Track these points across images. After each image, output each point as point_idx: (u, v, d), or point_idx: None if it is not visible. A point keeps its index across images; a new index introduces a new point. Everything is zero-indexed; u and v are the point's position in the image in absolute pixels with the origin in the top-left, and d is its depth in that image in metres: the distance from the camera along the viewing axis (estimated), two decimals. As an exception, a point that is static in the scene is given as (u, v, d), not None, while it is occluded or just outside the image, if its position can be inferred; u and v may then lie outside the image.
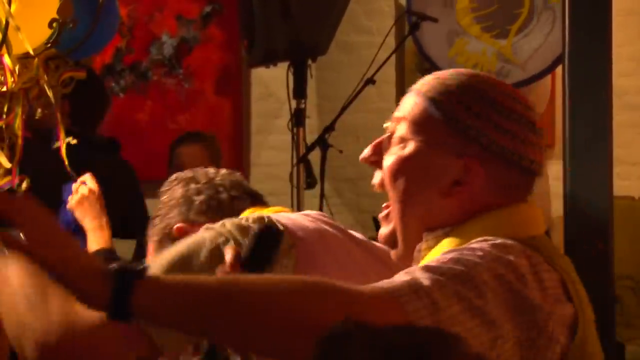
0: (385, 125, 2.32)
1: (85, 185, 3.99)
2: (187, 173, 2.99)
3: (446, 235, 2.17)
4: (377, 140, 2.38)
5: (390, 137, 2.25)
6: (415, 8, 6.41)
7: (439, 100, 2.17)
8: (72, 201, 3.97)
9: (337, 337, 1.68)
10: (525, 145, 2.16)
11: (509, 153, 2.14)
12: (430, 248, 2.18)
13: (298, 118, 6.63)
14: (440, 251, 2.15)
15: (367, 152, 2.42)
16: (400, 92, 7.59)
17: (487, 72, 6.18)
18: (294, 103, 6.57)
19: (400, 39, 6.85)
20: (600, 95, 4.82)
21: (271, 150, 8.14)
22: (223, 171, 2.99)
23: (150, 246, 3.12)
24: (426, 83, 2.22)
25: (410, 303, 1.78)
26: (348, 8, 6.77)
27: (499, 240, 2.03)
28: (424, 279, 1.85)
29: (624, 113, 6.32)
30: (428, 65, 6.67)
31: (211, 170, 3.01)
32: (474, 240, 2.05)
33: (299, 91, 6.56)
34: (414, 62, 7.60)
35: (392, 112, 2.45)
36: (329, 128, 6.38)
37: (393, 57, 6.55)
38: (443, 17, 6.43)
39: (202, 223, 2.78)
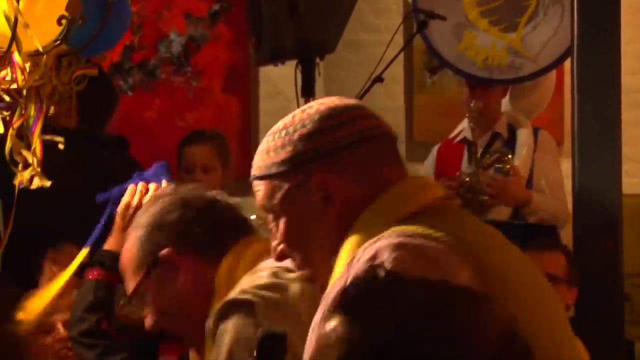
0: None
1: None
2: (186, 190, 2.94)
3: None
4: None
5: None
6: (422, 5, 6.38)
7: (268, 168, 2.35)
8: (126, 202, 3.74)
9: (365, 282, 1.79)
10: (343, 126, 2.25)
11: (337, 145, 2.23)
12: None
13: None
14: (342, 259, 2.26)
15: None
16: (409, 90, 7.74)
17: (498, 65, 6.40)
18: (302, 101, 6.48)
19: (408, 37, 6.86)
20: (609, 92, 5.19)
21: (279, 148, 7.92)
22: (220, 195, 2.92)
23: (131, 235, 3.04)
24: None
25: None
26: (356, 6, 6.77)
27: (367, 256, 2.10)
28: None
29: (631, 111, 6.29)
30: (437, 62, 6.91)
31: (210, 193, 2.96)
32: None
33: (307, 89, 6.55)
34: (422, 60, 7.58)
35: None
36: (337, 126, 6.35)
37: (401, 55, 6.57)
38: (450, 11, 6.40)
39: (190, 257, 2.87)
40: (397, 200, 2.30)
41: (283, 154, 2.34)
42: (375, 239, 2.20)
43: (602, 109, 5.25)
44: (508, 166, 6.13)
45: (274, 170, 2.37)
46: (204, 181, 5.36)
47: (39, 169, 4.33)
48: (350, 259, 2.23)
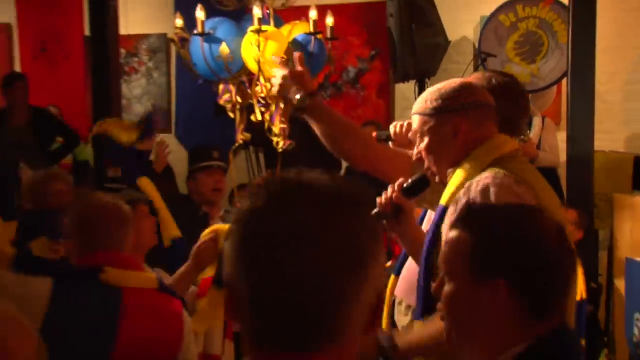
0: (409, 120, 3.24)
1: None
2: None
3: (456, 168, 2.95)
4: (408, 129, 3.40)
5: (413, 130, 3.06)
6: (484, 49, 8.36)
7: (425, 110, 3.00)
8: None
9: (480, 204, 2.53)
10: (470, 95, 2.94)
11: (465, 104, 2.91)
12: (451, 175, 2.97)
13: None
14: (456, 178, 2.93)
15: (403, 131, 3.63)
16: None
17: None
18: None
19: (475, 67, 8.30)
20: (588, 96, 6.80)
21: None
22: None
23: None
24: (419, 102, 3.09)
25: None
26: (447, 51, 8.65)
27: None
28: None
29: (600, 104, 7.23)
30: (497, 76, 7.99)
31: None
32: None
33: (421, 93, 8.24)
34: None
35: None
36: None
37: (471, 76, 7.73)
38: (498, 52, 8.36)
39: None
40: (489, 149, 2.90)
41: (435, 103, 2.96)
42: (480, 176, 2.80)
43: (582, 105, 6.76)
44: (525, 137, 6.46)
45: (428, 111, 2.98)
46: None
47: (280, 138, 5.50)
48: (465, 186, 2.83)
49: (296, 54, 3.89)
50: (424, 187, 3.08)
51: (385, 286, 3.43)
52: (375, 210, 3.08)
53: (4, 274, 3.37)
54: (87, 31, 9.12)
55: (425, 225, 3.41)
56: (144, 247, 4.18)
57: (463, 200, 2.74)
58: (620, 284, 6.40)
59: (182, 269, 4.24)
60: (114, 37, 8.49)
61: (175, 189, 7.90)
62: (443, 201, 2.89)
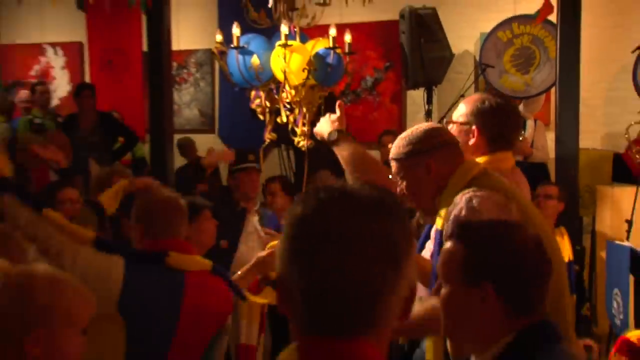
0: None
1: None
2: None
3: (439, 198, 2.94)
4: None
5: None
6: (484, 61, 8.20)
7: (398, 155, 3.03)
8: None
9: (465, 218, 2.66)
10: (436, 137, 3.01)
11: (434, 146, 2.96)
12: (438, 205, 2.95)
13: (429, 114, 8.32)
14: (442, 205, 2.89)
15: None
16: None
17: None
18: (426, 107, 8.41)
19: (476, 77, 8.34)
20: (573, 102, 6.77)
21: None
22: None
23: None
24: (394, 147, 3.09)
25: None
26: (452, 63, 8.62)
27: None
28: None
29: (583, 108, 6.97)
30: (490, 87, 8.21)
31: None
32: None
33: (429, 101, 8.43)
34: (483, 87, 8.56)
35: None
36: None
37: (472, 86, 8.03)
38: (496, 64, 8.22)
39: None
40: (462, 174, 2.90)
41: (407, 149, 2.99)
42: (462, 193, 2.79)
43: (569, 109, 6.72)
44: (521, 137, 7.11)
45: (401, 156, 3.01)
46: None
47: (302, 138, 5.53)
48: (451, 204, 2.81)
49: (338, 102, 3.83)
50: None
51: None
52: None
53: (87, 255, 3.31)
54: (145, 47, 9.14)
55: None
56: (205, 246, 4.17)
57: (453, 213, 2.75)
58: (601, 265, 6.38)
59: (245, 268, 4.20)
60: (167, 53, 8.54)
61: (222, 185, 7.94)
62: (439, 226, 2.88)
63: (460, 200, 2.74)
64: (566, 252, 5.72)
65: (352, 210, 1.31)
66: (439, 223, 2.87)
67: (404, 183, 2.99)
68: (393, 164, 3.03)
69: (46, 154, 5.72)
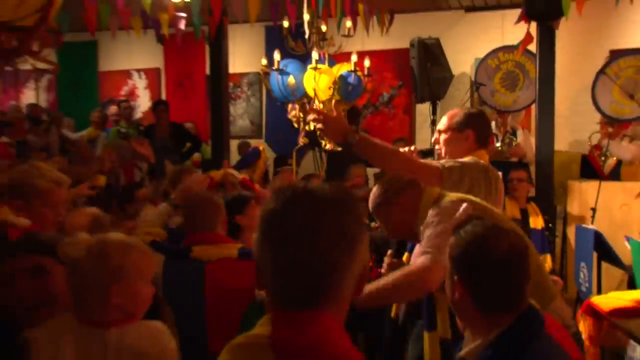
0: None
1: None
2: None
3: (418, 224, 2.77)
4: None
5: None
6: (478, 80, 8.17)
7: (373, 206, 2.89)
8: None
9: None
10: (397, 189, 2.86)
11: (396, 196, 2.82)
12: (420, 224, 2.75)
13: (433, 123, 8.29)
14: (420, 222, 2.73)
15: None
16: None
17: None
18: (432, 117, 8.52)
19: (472, 93, 8.34)
20: (549, 113, 6.73)
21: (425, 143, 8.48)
22: None
23: None
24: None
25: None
26: (452, 82, 8.75)
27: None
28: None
29: (558, 119, 6.89)
30: (482, 102, 8.18)
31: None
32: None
33: (434, 112, 8.54)
34: (477, 101, 8.44)
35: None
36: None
37: (468, 101, 8.17)
38: (488, 84, 8.19)
39: None
40: (427, 201, 2.75)
41: (376, 202, 2.94)
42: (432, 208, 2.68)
43: (546, 120, 6.67)
44: (515, 143, 7.50)
45: (374, 209, 2.94)
46: None
47: (327, 141, 5.05)
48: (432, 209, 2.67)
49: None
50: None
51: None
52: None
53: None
54: (207, 71, 9.43)
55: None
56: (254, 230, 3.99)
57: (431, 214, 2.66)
58: (571, 244, 6.31)
59: None
60: (225, 75, 8.61)
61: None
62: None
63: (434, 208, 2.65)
64: (539, 222, 5.67)
65: (312, 206, 1.30)
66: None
67: (390, 226, 2.87)
68: (375, 216, 2.90)
69: (142, 149, 5.98)
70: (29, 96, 11.13)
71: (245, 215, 3.77)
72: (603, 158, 6.72)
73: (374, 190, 2.88)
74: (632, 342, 2.94)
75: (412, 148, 3.44)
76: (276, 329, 1.29)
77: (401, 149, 3.34)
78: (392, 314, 3.19)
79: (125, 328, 2.02)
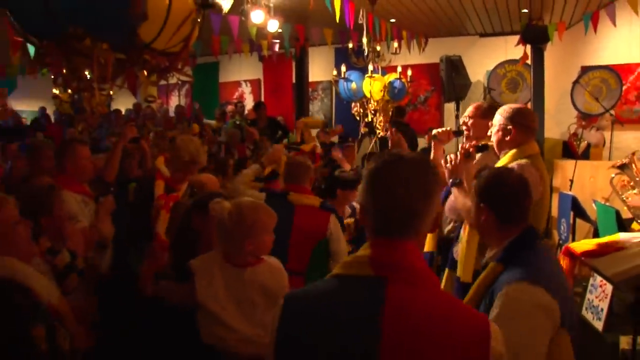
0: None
1: None
2: None
3: (506, 153, 2.60)
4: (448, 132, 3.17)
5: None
6: (490, 85, 8.20)
7: (500, 120, 2.62)
8: None
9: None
10: (522, 119, 2.58)
11: (517, 123, 2.57)
12: (502, 155, 2.60)
13: (457, 117, 8.09)
14: (505, 159, 2.55)
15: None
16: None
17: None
18: (456, 112, 8.29)
19: (485, 95, 8.34)
20: (540, 110, 6.99)
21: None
22: None
23: None
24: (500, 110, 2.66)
25: None
26: (470, 87, 8.60)
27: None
28: None
29: (546, 116, 7.40)
30: (494, 102, 7.81)
31: None
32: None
33: (457, 109, 8.24)
34: (489, 101, 7.96)
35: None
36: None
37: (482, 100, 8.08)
38: (497, 88, 8.26)
39: None
40: (522, 150, 2.54)
41: (506, 115, 2.62)
42: (516, 162, 2.51)
43: (538, 114, 6.40)
44: None
45: (503, 122, 2.61)
46: None
47: (380, 130, 5.80)
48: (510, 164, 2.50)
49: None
50: (483, 150, 2.79)
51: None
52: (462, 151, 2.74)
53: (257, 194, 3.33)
54: (293, 80, 9.44)
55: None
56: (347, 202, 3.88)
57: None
58: (555, 206, 6.10)
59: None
60: (306, 83, 8.74)
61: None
62: (499, 164, 2.58)
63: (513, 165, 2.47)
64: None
65: (403, 164, 1.26)
66: (501, 163, 2.58)
67: (496, 136, 2.65)
68: (496, 122, 2.66)
69: (254, 134, 5.86)
70: (174, 100, 11.39)
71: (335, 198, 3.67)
72: (577, 142, 6.57)
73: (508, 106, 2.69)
74: (594, 273, 2.89)
75: (448, 129, 3.32)
76: (374, 250, 1.25)
77: (438, 130, 3.21)
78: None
79: (256, 268, 1.98)
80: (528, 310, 1.64)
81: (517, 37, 7.17)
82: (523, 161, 2.48)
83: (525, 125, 2.57)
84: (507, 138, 2.57)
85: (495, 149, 2.67)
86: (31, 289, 1.68)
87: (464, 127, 3.06)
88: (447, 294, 1.29)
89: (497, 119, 2.64)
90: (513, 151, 2.56)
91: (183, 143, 3.22)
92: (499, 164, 2.57)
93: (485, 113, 3.02)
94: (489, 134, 2.69)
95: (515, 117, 2.58)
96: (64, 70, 2.05)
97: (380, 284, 1.19)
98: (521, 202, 1.91)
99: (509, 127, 2.56)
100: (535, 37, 6.62)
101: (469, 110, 3.07)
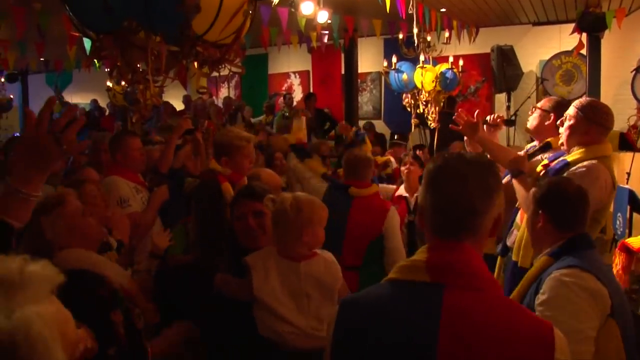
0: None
1: None
2: None
3: (580, 148, 2.52)
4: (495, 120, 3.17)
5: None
6: (543, 76, 8.01)
7: (576, 113, 2.53)
8: None
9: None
10: (599, 118, 2.52)
11: (595, 122, 2.50)
12: (574, 149, 2.53)
13: (508, 108, 8.04)
14: (576, 154, 2.49)
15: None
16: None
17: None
18: (507, 103, 8.19)
19: (537, 86, 8.04)
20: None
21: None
22: None
23: None
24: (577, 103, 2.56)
25: None
26: (522, 77, 8.39)
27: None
28: None
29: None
30: (546, 93, 7.66)
31: None
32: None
33: (509, 100, 8.17)
34: (542, 92, 7.96)
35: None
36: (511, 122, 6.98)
37: (534, 92, 7.89)
38: (551, 79, 8.02)
39: None
40: (595, 150, 2.49)
41: (581, 111, 2.57)
42: (587, 161, 2.45)
43: None
44: None
45: (580, 115, 2.55)
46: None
47: (432, 121, 6.03)
48: (580, 163, 2.46)
49: (477, 111, 3.10)
50: (511, 125, 2.80)
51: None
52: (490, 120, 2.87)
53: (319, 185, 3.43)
54: (342, 71, 9.35)
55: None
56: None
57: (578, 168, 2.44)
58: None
59: None
60: (355, 74, 8.73)
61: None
62: (569, 159, 2.52)
63: (582, 164, 2.44)
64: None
65: (463, 164, 1.23)
66: (570, 157, 2.52)
67: (566, 129, 2.58)
68: (570, 113, 2.58)
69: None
70: (223, 92, 11.53)
71: None
72: (637, 134, 6.26)
73: (580, 101, 2.61)
74: (650, 269, 2.79)
75: (495, 116, 3.27)
76: (431, 254, 1.21)
77: (488, 117, 3.18)
78: None
79: (311, 261, 2.00)
80: (577, 293, 1.66)
81: (572, 26, 6.95)
82: (595, 162, 2.43)
83: (600, 124, 2.50)
84: (578, 134, 2.49)
85: (565, 144, 2.57)
86: (106, 276, 1.71)
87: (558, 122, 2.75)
88: (508, 300, 1.24)
89: (572, 111, 2.54)
90: (582, 149, 2.49)
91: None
92: (569, 158, 2.51)
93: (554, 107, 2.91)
94: (560, 130, 2.58)
95: (590, 113, 2.49)
96: (119, 63, 2.05)
97: (437, 291, 1.15)
98: (579, 211, 1.96)
99: (583, 122, 2.49)
100: (592, 25, 6.40)
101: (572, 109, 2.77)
